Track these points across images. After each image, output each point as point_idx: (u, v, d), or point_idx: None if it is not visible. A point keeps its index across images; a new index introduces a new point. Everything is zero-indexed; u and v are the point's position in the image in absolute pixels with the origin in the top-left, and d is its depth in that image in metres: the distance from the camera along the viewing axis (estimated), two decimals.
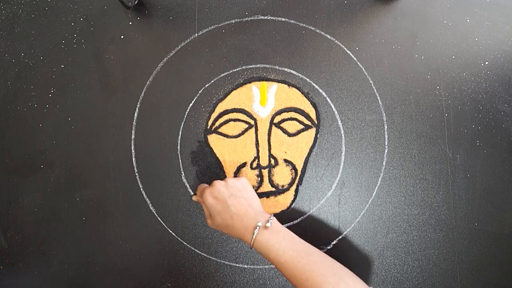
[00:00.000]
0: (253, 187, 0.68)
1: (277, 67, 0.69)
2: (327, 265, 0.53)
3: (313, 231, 0.68)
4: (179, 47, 0.70)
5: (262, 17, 0.70)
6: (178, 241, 0.68)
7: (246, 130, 0.69)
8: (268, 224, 0.56)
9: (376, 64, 0.69)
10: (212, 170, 0.69)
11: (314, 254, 0.54)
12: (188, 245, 0.68)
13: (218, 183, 0.60)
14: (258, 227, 0.56)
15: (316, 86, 0.69)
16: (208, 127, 0.69)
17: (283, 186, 0.68)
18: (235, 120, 0.69)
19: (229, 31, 0.70)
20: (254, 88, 0.69)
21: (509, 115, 0.69)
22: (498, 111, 0.69)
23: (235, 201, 0.58)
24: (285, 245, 0.54)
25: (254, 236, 0.55)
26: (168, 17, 0.70)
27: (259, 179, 0.68)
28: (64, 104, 0.69)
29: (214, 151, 0.69)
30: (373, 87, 0.69)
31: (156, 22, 0.70)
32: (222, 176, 0.69)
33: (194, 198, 0.66)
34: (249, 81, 0.69)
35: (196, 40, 0.70)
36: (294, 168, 0.68)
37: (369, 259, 0.68)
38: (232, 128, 0.69)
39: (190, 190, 0.68)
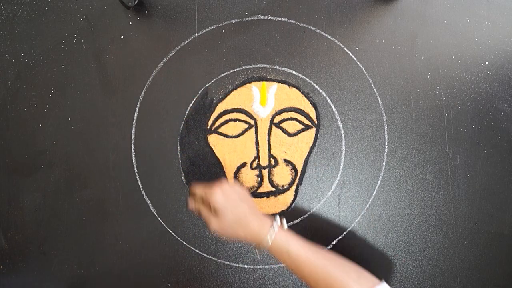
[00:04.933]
0: (253, 187, 0.68)
1: (277, 67, 0.69)
2: (345, 264, 0.55)
3: (313, 231, 0.68)
4: (179, 47, 0.70)
5: (262, 17, 0.70)
6: (178, 241, 0.68)
7: (246, 130, 0.69)
8: (285, 225, 0.56)
9: (376, 64, 0.69)
10: (212, 170, 0.69)
11: (329, 253, 0.55)
12: (188, 245, 0.68)
13: (226, 183, 0.58)
14: (276, 225, 0.55)
15: (316, 86, 0.69)
16: (208, 127, 0.69)
17: (283, 186, 0.68)
18: (235, 120, 0.69)
19: (229, 31, 0.70)
20: (254, 88, 0.69)
21: (509, 115, 0.69)
22: (498, 111, 0.69)
23: (244, 203, 0.57)
24: (303, 244, 0.55)
25: (272, 234, 0.54)
26: (168, 17, 0.70)
27: (259, 179, 0.68)
28: (64, 104, 0.69)
29: (214, 151, 0.68)
30: (373, 87, 0.69)
31: (156, 22, 0.70)
32: (222, 176, 0.69)
33: (191, 205, 0.61)
34: (249, 81, 0.69)
35: (196, 40, 0.70)
36: (294, 168, 0.68)
37: (369, 259, 0.68)
38: (232, 128, 0.69)
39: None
